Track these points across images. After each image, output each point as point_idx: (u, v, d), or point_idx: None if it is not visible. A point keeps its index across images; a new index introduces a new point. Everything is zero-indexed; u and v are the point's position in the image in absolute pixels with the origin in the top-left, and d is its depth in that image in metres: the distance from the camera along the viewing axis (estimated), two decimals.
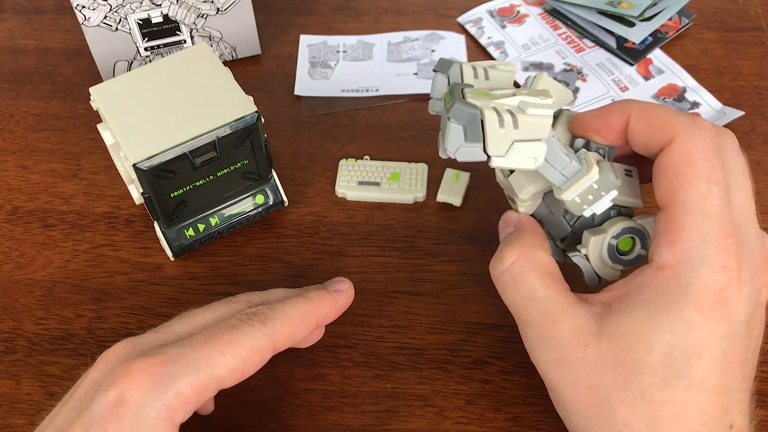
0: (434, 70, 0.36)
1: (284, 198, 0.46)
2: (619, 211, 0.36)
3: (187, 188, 0.41)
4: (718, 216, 0.30)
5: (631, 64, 0.56)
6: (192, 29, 0.54)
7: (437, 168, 0.49)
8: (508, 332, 0.41)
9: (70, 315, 0.43)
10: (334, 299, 0.37)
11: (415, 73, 0.56)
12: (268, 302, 0.36)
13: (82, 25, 0.52)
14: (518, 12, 0.61)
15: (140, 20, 0.53)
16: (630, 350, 0.30)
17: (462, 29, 0.60)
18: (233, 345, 0.32)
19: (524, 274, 0.34)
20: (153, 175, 0.39)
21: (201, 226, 0.44)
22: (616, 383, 0.30)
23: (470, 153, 0.31)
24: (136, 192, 0.44)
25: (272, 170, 0.45)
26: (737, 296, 0.30)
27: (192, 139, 0.39)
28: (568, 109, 0.37)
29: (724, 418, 0.30)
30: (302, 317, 0.35)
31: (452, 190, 0.47)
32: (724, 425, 0.30)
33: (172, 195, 0.41)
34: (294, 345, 0.36)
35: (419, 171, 0.48)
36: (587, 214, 0.34)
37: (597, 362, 0.30)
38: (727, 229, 0.30)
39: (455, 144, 0.31)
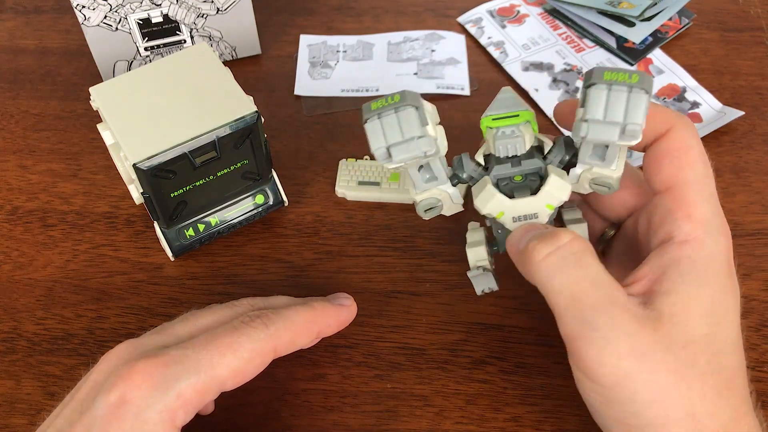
0: (392, 107, 0.33)
1: (284, 198, 0.46)
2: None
3: (187, 188, 0.41)
4: (715, 194, 0.33)
5: (631, 64, 0.56)
6: (192, 29, 0.54)
7: None
8: (508, 332, 0.41)
9: (70, 315, 0.43)
10: (337, 312, 0.37)
11: (415, 73, 0.56)
12: (271, 307, 0.36)
13: (82, 25, 0.52)
14: (518, 12, 0.61)
15: (140, 20, 0.53)
16: (689, 324, 0.30)
17: (462, 29, 0.60)
18: (234, 347, 0.32)
19: (586, 253, 0.31)
20: (153, 175, 0.39)
21: (201, 226, 0.44)
22: (686, 359, 0.30)
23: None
24: (136, 192, 0.44)
25: (272, 170, 0.45)
26: (734, 265, 0.33)
27: (192, 139, 0.39)
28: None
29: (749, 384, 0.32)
30: (305, 324, 0.35)
31: None
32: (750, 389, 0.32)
33: (172, 195, 0.41)
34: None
35: None
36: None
37: (669, 343, 0.30)
38: (720, 206, 0.33)
39: (644, 114, 0.31)
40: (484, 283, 0.37)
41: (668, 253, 0.32)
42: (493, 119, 0.34)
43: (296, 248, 0.45)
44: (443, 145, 0.35)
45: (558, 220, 0.37)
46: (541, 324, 0.41)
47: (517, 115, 0.34)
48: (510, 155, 0.35)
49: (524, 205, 0.34)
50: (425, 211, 0.38)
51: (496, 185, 0.35)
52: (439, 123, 0.35)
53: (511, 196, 0.35)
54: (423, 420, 0.38)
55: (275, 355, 0.34)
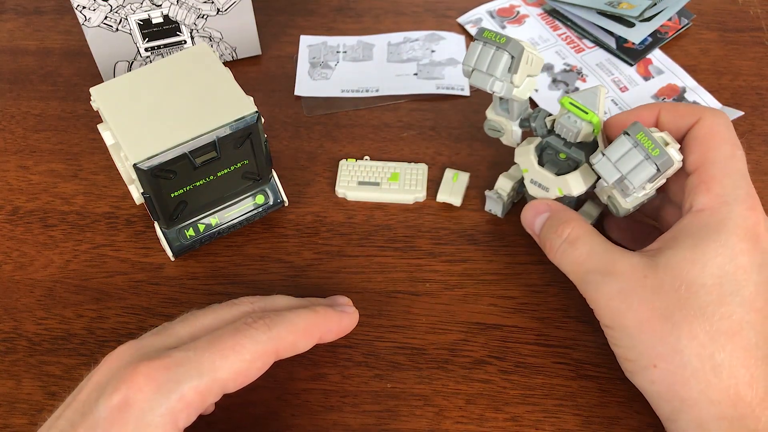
0: (494, 45, 0.38)
1: (284, 198, 0.46)
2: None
3: (187, 188, 0.41)
4: (742, 171, 0.35)
5: (631, 65, 0.56)
6: (192, 30, 0.55)
7: (437, 168, 0.49)
8: (508, 332, 0.41)
9: (70, 315, 0.43)
10: (339, 318, 0.37)
11: (415, 74, 0.56)
12: (271, 307, 0.36)
13: (83, 26, 0.52)
14: (518, 12, 0.61)
15: (141, 21, 0.53)
16: (685, 273, 0.33)
17: (462, 30, 0.60)
18: (237, 349, 0.32)
19: (580, 236, 0.37)
20: (153, 175, 0.39)
21: (201, 226, 0.44)
22: (677, 302, 0.33)
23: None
24: (136, 192, 0.44)
25: (272, 170, 0.45)
26: (765, 234, 0.34)
27: (192, 139, 0.39)
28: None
29: None
30: (307, 328, 0.35)
31: (452, 190, 0.47)
32: None
33: (172, 195, 0.41)
34: None
35: (419, 171, 0.48)
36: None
37: (657, 287, 0.33)
38: (750, 182, 0.35)
39: (643, 180, 0.35)
40: (491, 205, 0.45)
41: (684, 220, 0.35)
42: (570, 102, 0.38)
43: (296, 248, 0.46)
44: (522, 96, 0.40)
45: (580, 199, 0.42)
46: (540, 324, 0.41)
47: (586, 113, 0.38)
48: (562, 137, 0.40)
49: (544, 176, 0.41)
50: (489, 129, 0.44)
51: (543, 148, 0.41)
52: (534, 75, 0.39)
53: (542, 165, 0.41)
54: (423, 420, 0.38)
55: (277, 357, 0.34)
